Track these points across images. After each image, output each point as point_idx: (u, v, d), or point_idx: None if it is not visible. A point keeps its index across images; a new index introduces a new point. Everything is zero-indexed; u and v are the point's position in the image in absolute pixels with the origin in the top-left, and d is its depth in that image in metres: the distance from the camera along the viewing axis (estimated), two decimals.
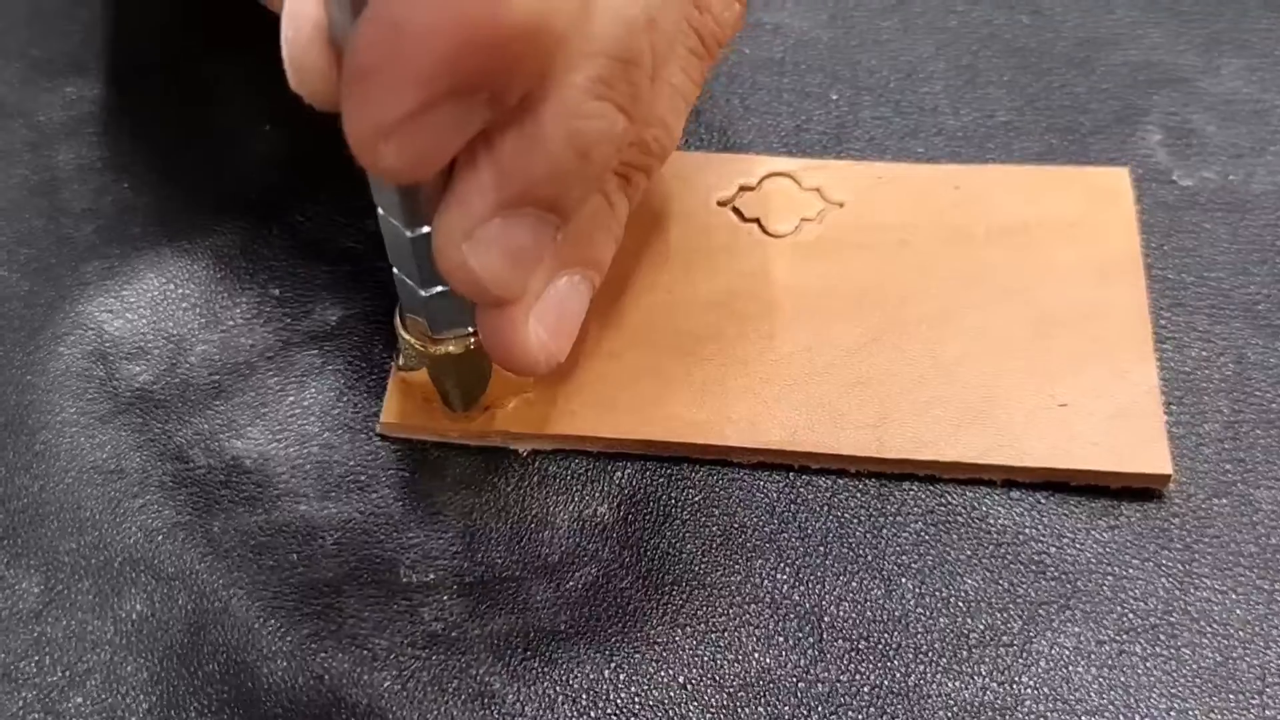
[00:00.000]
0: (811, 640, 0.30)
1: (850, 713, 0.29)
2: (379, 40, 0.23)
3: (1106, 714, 0.29)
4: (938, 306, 0.34)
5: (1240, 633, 0.30)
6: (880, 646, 0.30)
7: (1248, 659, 0.29)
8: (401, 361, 0.32)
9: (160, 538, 0.32)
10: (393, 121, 0.24)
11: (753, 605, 0.31)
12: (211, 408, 0.34)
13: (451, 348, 0.30)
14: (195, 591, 0.31)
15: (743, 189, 0.36)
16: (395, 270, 0.29)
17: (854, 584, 0.31)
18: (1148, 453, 0.31)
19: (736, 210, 0.36)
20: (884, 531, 0.31)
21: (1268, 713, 0.29)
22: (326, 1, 0.25)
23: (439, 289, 0.29)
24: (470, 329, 0.30)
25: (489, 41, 0.23)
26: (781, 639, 0.30)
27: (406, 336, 0.31)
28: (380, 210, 0.28)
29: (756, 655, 0.30)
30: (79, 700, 0.30)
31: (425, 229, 0.27)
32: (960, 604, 0.30)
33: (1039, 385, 0.32)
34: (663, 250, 0.35)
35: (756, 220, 0.36)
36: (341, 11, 0.24)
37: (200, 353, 0.35)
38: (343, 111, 0.24)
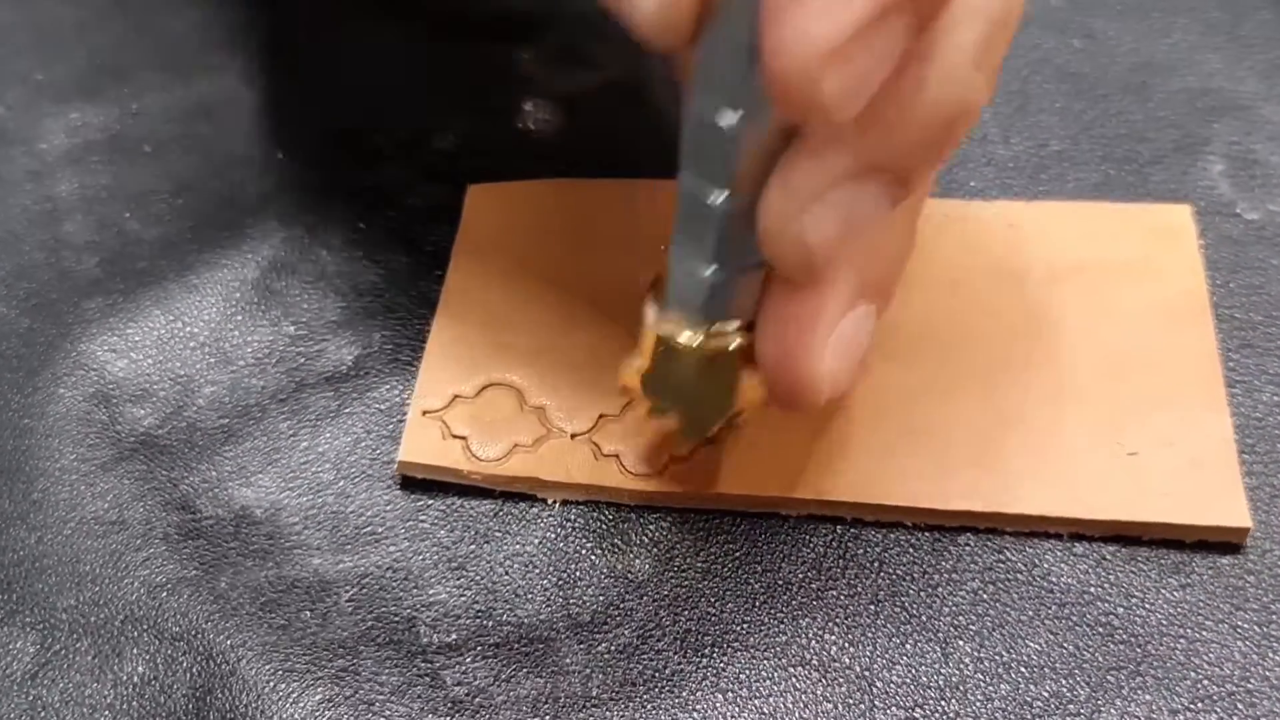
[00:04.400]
0: (862, 707, 0.28)
1: None
2: None
3: None
4: (994, 351, 0.32)
5: None
6: (936, 714, 0.28)
7: None
8: (638, 365, 0.29)
9: (164, 594, 0.30)
10: (840, 36, 0.21)
11: (799, 668, 0.29)
12: (219, 454, 0.32)
13: (720, 344, 0.27)
14: (201, 652, 0.29)
15: None
16: (675, 252, 0.27)
17: (907, 646, 0.29)
18: (1224, 504, 0.29)
19: None
20: (939, 590, 0.29)
21: None
22: None
23: (726, 273, 0.26)
24: (735, 326, 0.27)
25: None
26: (830, 705, 0.28)
27: (659, 330, 0.28)
28: (684, 175, 0.25)
29: None
30: None
31: (729, 195, 0.25)
32: (1022, 669, 0.28)
33: (1105, 434, 0.30)
34: None
35: None
36: None
37: (208, 394, 0.33)
38: (774, 38, 0.21)
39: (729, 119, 0.23)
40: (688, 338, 0.27)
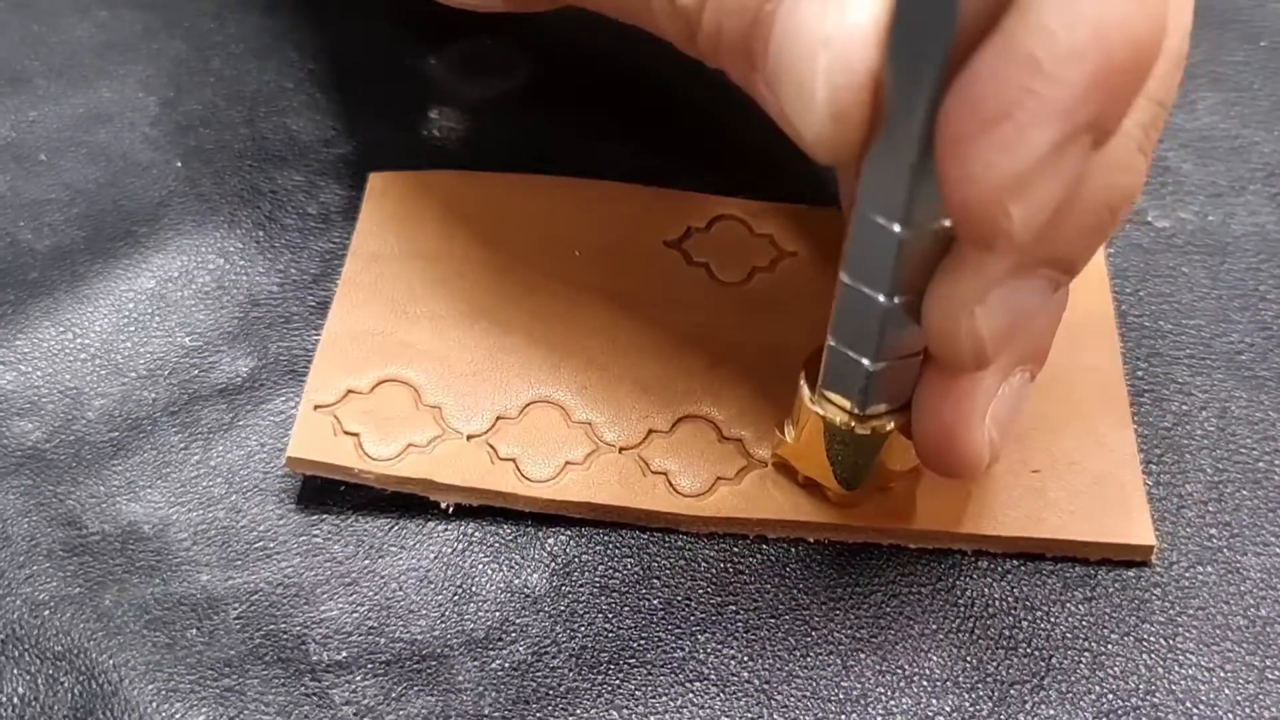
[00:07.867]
0: None
1: None
2: (1016, 76, 0.20)
3: None
4: None
5: (1229, 714, 0.27)
6: None
7: None
8: (791, 436, 0.29)
9: (47, 612, 0.29)
10: (1028, 169, 0.21)
11: (696, 683, 0.28)
12: (108, 468, 0.31)
13: (876, 427, 0.28)
14: (83, 672, 0.28)
15: (692, 230, 0.34)
16: (834, 344, 0.26)
17: (808, 659, 0.28)
18: (1129, 522, 0.29)
19: (684, 253, 0.33)
20: (841, 602, 0.29)
21: None
22: (892, 48, 0.21)
23: (885, 364, 0.26)
24: (892, 408, 0.27)
25: (1127, 61, 0.21)
26: (728, 719, 0.28)
27: (822, 413, 0.28)
28: (847, 280, 0.25)
29: None
30: None
31: (892, 298, 0.25)
32: (924, 682, 0.28)
33: (1010, 451, 0.30)
34: (606, 291, 0.33)
35: (705, 264, 0.33)
36: (924, 58, 0.21)
37: (98, 407, 0.32)
38: (959, 170, 0.21)
39: (894, 230, 0.23)
40: (844, 421, 0.28)
